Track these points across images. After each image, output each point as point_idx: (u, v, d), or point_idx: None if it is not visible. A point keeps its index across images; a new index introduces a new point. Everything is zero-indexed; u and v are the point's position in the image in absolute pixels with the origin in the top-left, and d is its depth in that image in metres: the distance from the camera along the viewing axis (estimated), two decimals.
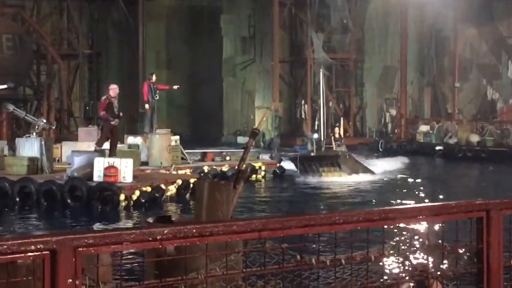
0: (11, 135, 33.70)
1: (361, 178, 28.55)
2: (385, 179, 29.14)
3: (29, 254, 2.62)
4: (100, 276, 3.20)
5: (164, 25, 55.96)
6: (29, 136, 24.35)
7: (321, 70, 50.08)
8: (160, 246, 2.93)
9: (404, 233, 4.37)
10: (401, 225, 3.61)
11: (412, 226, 3.89)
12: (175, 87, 30.76)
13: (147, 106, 27.33)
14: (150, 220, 9.45)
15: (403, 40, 47.28)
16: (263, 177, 28.06)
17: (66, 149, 26.02)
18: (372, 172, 29.83)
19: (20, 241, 2.62)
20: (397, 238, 4.26)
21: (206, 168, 25.75)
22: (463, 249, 3.83)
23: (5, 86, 28.77)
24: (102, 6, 49.83)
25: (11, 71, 39.76)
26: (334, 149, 30.80)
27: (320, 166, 28.95)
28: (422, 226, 3.90)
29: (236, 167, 9.73)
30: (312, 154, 30.76)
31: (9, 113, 30.34)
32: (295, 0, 50.36)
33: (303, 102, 51.20)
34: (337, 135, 32.44)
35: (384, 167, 32.52)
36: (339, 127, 34.66)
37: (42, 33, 46.36)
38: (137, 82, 43.68)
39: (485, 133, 41.38)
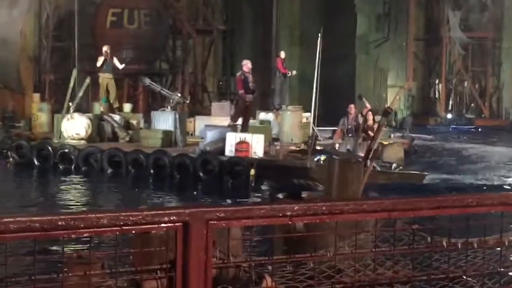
0: (147, 108, 34.55)
1: None
2: None
3: (163, 225, 2.68)
4: (231, 250, 3.25)
5: (298, 1, 55.95)
6: (164, 110, 24.88)
7: (457, 48, 49.31)
8: (290, 223, 2.94)
9: None
10: None
11: None
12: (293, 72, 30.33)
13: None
14: (281, 196, 9.52)
15: None
16: None
17: (199, 123, 26.45)
18: None
19: (154, 213, 2.68)
20: None
21: (336, 146, 25.63)
22: None
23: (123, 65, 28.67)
24: None
25: (148, 46, 40.78)
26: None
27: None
28: None
29: (367, 147, 9.67)
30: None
31: (145, 86, 31.01)
32: None
33: (437, 81, 50.34)
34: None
35: None
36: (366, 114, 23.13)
37: (178, 8, 47.18)
38: (270, 59, 43.90)
39: None
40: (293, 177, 19.26)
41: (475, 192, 19.24)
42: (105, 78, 26.68)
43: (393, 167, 20.91)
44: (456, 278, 3.64)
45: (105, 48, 27.00)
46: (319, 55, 24.55)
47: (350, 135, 22.08)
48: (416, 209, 3.11)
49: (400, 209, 3.07)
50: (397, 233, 3.35)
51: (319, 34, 25.03)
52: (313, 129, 22.78)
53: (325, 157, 19.96)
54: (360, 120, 22.61)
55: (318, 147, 21.49)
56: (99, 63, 26.64)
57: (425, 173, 21.76)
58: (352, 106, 23.03)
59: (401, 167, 21.76)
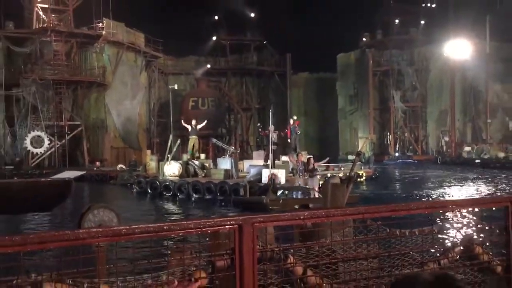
0: (214, 156, 34.70)
1: None
2: None
3: (226, 226, 2.67)
4: (268, 240, 3.23)
5: (302, 89, 56.19)
6: (224, 157, 24.94)
7: (399, 113, 49.05)
8: (303, 222, 2.92)
9: (458, 215, 4.15)
10: (457, 211, 3.44)
11: (464, 211, 3.70)
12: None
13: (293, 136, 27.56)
14: (296, 206, 9.40)
15: (452, 93, 45.54)
16: (364, 180, 27.53)
17: (245, 164, 26.44)
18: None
19: (221, 219, 2.68)
20: (453, 219, 4.06)
21: (329, 175, 25.36)
22: (495, 227, 3.60)
23: (204, 123, 28.44)
24: (266, 80, 50.72)
25: (213, 119, 41.05)
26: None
27: None
28: (471, 211, 3.70)
29: (347, 174, 9.61)
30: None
31: (212, 143, 31.19)
32: (382, 71, 49.60)
33: (388, 134, 50.09)
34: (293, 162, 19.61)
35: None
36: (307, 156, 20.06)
37: (231, 96, 47.62)
38: (286, 125, 43.91)
39: (508, 151, 39.26)
40: (256, 209, 17.10)
41: (416, 200, 18.92)
42: (192, 139, 26.91)
43: None
44: (405, 254, 3.57)
45: (194, 122, 27.15)
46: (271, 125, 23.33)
47: (300, 174, 20.54)
48: (379, 212, 3.07)
49: (369, 212, 3.04)
50: (368, 227, 3.31)
51: (270, 112, 24.21)
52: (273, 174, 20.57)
53: (287, 192, 19.16)
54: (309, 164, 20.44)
55: (278, 186, 19.59)
56: (189, 127, 26.86)
57: (357, 194, 18.79)
58: (299, 154, 20.26)
59: None
